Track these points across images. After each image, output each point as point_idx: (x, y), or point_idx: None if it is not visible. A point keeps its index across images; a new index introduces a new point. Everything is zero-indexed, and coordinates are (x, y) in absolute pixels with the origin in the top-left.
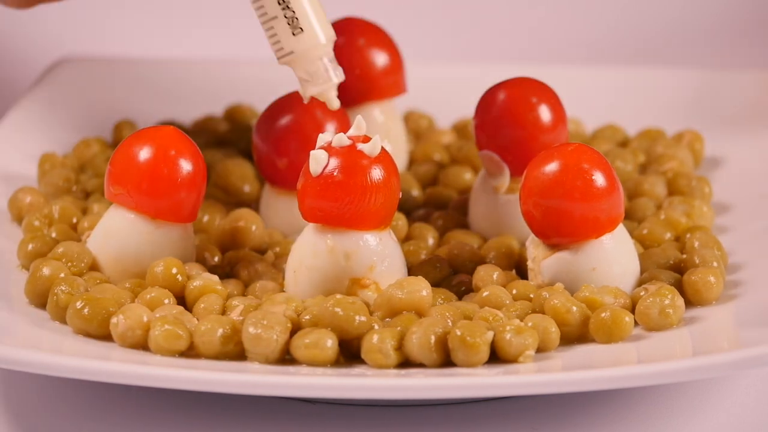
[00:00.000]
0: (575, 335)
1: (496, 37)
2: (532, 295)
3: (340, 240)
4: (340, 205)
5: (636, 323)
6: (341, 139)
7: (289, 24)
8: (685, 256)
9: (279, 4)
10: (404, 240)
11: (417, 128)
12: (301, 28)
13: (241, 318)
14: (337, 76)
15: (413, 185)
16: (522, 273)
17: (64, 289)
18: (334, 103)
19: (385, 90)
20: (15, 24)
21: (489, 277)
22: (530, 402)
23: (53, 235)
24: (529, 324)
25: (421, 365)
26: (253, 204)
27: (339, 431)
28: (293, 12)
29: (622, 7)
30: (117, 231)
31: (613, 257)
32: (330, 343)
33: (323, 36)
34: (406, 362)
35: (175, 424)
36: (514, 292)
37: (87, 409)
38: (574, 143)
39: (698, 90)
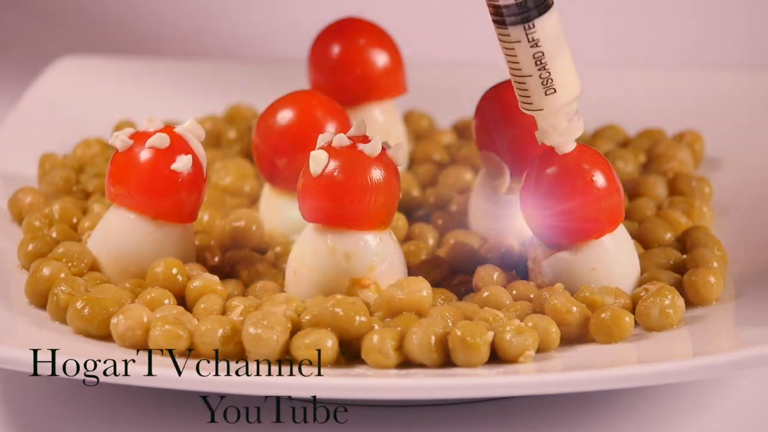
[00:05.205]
0: (575, 335)
1: (496, 37)
2: (532, 296)
3: (341, 240)
4: (340, 206)
5: (636, 323)
6: (341, 140)
7: (542, 84)
8: (685, 256)
9: (536, 64)
10: (404, 240)
11: (417, 128)
12: (554, 89)
13: (241, 318)
14: (579, 128)
15: (413, 185)
16: (522, 273)
17: (64, 289)
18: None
19: (385, 90)
20: (15, 24)
21: (489, 277)
22: (530, 402)
23: (53, 235)
24: (530, 324)
25: (421, 365)
26: (253, 204)
27: (339, 431)
28: (549, 73)
29: (621, 8)
30: (117, 231)
31: (614, 257)
32: (330, 343)
33: (573, 93)
34: (406, 362)
35: (175, 424)
36: (514, 292)
37: (87, 409)
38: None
39: (698, 90)
